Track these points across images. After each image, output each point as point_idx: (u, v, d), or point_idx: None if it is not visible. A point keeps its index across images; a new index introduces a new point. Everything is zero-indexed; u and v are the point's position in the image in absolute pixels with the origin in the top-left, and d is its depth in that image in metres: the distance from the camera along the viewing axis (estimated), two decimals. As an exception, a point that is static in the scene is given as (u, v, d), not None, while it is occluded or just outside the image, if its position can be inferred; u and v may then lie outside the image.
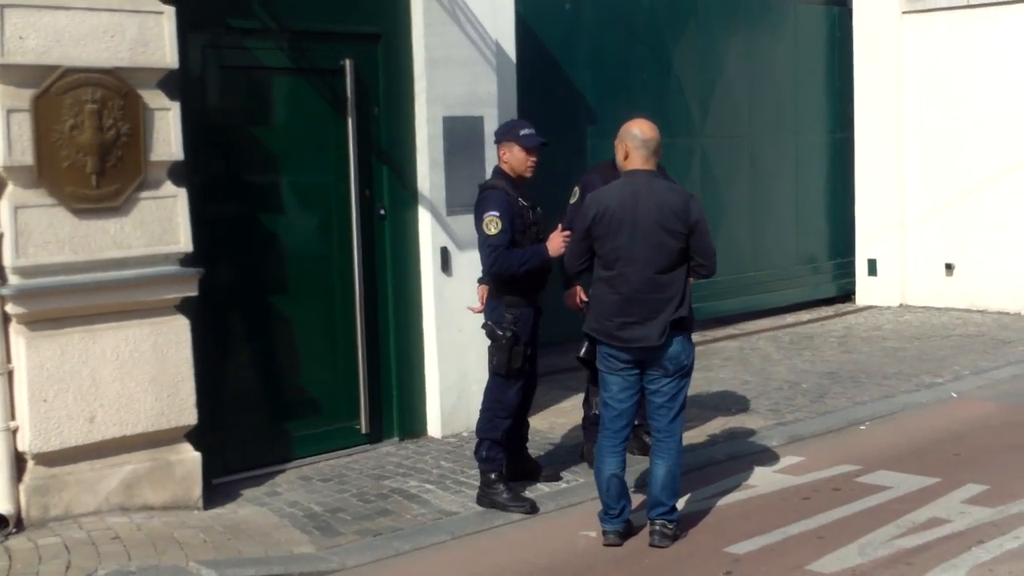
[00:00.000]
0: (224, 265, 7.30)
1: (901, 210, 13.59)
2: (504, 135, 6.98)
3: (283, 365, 7.73)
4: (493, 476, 6.89)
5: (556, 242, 6.74)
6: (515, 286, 6.81)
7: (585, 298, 7.44)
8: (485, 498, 6.89)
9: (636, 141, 6.13)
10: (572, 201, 7.44)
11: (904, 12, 13.58)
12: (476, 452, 7.00)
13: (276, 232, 7.65)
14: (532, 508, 6.82)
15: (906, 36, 13.61)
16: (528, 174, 6.95)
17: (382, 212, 8.09)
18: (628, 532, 6.33)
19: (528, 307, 6.89)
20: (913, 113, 13.55)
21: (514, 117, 8.91)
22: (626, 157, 6.18)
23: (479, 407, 7.03)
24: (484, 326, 6.92)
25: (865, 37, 13.77)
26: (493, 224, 6.67)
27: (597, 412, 6.63)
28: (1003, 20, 13.00)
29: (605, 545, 6.26)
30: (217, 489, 7.08)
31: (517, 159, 6.89)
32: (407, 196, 8.21)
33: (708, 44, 12.28)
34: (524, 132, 6.90)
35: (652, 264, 6.00)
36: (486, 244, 6.71)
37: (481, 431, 6.95)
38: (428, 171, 8.20)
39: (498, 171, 6.99)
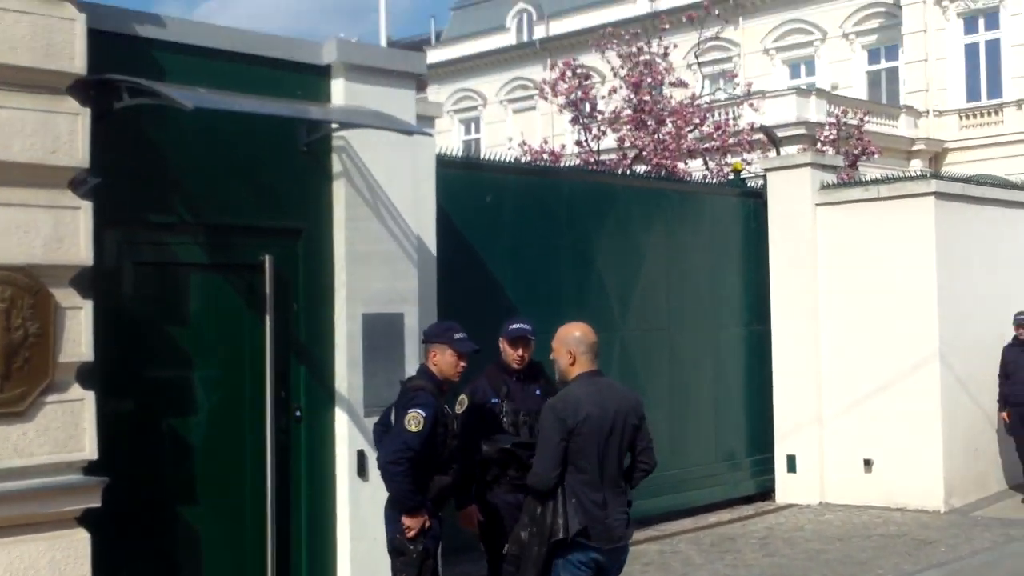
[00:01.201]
0: (130, 471, 6.97)
1: (819, 404, 13.58)
2: (437, 337, 6.86)
3: None
4: None
5: (471, 520, 7.14)
6: None
7: (482, 518, 7.19)
8: None
9: (582, 346, 6.23)
10: (459, 410, 7.20)
11: (818, 204, 13.81)
12: (390, 673, 6.66)
13: (187, 435, 7.38)
14: None
15: (820, 227, 13.81)
16: (456, 379, 6.85)
17: (298, 414, 7.86)
18: None
19: (435, 518, 6.67)
20: (828, 304, 13.67)
21: (434, 312, 8.84)
22: (573, 362, 6.22)
23: (394, 619, 6.71)
24: (390, 541, 6.64)
25: (780, 228, 13.94)
26: (415, 422, 6.45)
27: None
28: (913, 213, 13.25)
29: None
30: None
31: (448, 363, 6.77)
32: (324, 396, 8.01)
33: (628, 237, 12.35)
34: (458, 336, 6.80)
35: (620, 460, 6.15)
36: (399, 436, 6.46)
37: (394, 651, 6.63)
38: (346, 370, 8.02)
39: (424, 371, 6.84)
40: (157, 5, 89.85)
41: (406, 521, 6.52)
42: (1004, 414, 13.42)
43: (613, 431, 6.07)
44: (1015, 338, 13.38)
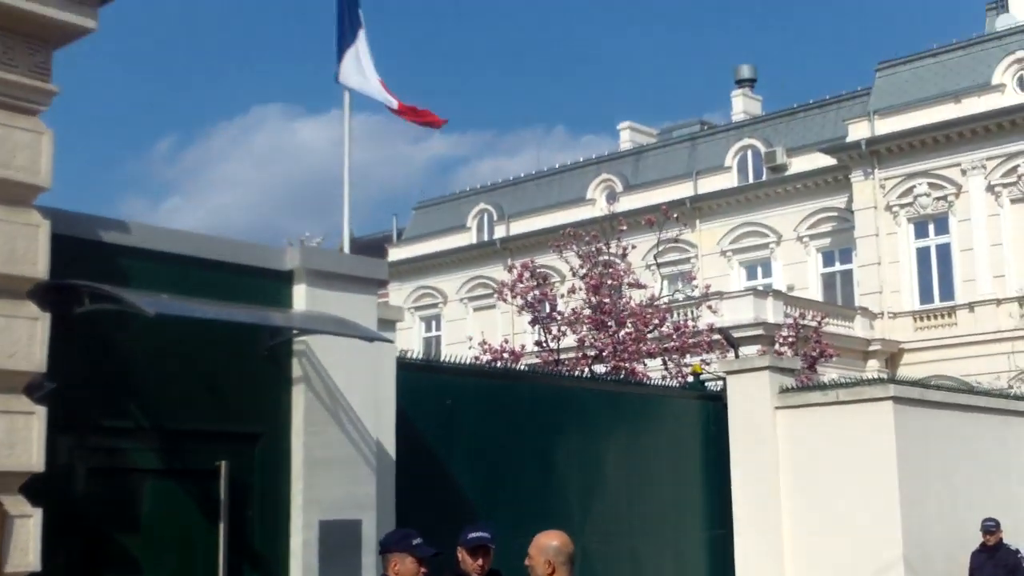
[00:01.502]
0: None
1: (783, 611, 13.39)
2: (396, 544, 6.75)
3: None
4: None
5: None
6: None
7: None
8: None
9: (562, 556, 6.22)
10: None
11: (777, 407, 13.85)
12: None
13: (135, 648, 7.14)
14: None
15: (780, 431, 13.83)
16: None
17: (250, 626, 7.65)
18: None
19: None
20: (791, 508, 13.59)
21: (393, 518, 8.69)
22: (552, 572, 6.18)
23: None
24: None
25: (741, 432, 13.94)
26: None
27: None
28: (872, 417, 13.35)
29: None
30: None
31: (409, 571, 6.68)
32: (278, 607, 7.81)
33: (589, 440, 12.30)
34: (417, 542, 6.72)
35: None
36: None
37: None
38: (301, 580, 7.85)
39: None
40: (123, 201, 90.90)
41: None
42: None
43: None
44: (982, 544, 13.31)
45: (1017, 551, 13.24)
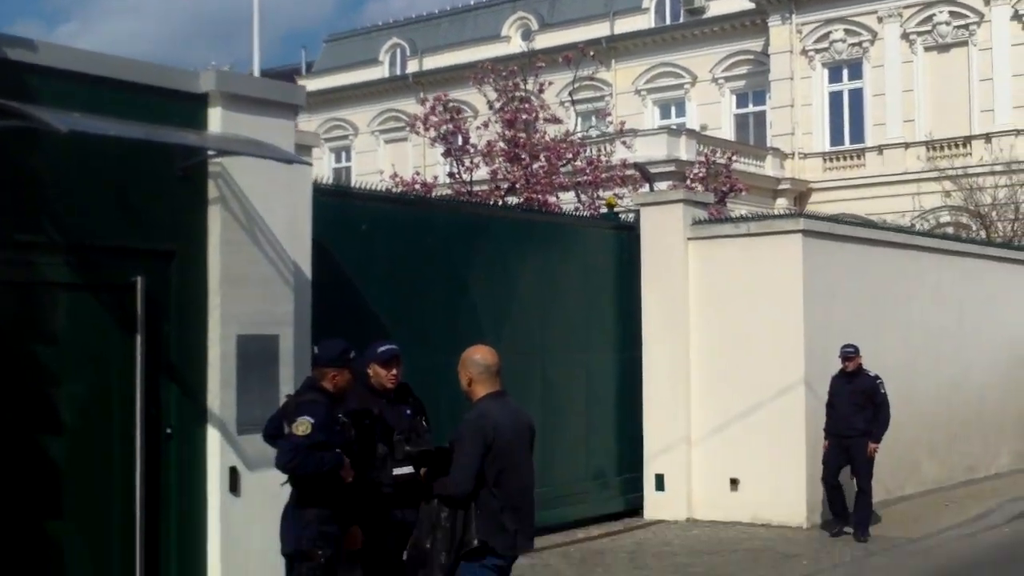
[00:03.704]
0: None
1: (688, 426, 13.85)
2: (336, 360, 6.99)
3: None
4: None
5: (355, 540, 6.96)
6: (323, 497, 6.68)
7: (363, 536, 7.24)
8: None
9: (479, 367, 6.44)
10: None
11: (690, 238, 14.11)
12: None
13: (53, 454, 7.29)
14: None
15: (691, 261, 14.10)
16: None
17: (168, 431, 7.85)
18: None
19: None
20: (698, 332, 13.95)
21: (308, 335, 8.85)
22: (470, 383, 6.43)
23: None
24: (292, 544, 6.67)
25: (653, 261, 14.18)
26: (303, 427, 6.59)
27: None
28: (781, 249, 13.65)
29: None
30: None
31: (348, 381, 7.01)
32: (196, 414, 8.02)
33: (500, 265, 12.51)
34: (353, 355, 7.05)
35: (528, 476, 6.45)
36: (289, 441, 6.59)
37: None
38: (219, 390, 8.05)
39: (312, 385, 6.94)
40: (14, 23, 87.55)
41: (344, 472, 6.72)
42: (825, 443, 13.18)
43: (522, 446, 6.35)
44: (841, 370, 13.23)
45: (876, 377, 13.30)
